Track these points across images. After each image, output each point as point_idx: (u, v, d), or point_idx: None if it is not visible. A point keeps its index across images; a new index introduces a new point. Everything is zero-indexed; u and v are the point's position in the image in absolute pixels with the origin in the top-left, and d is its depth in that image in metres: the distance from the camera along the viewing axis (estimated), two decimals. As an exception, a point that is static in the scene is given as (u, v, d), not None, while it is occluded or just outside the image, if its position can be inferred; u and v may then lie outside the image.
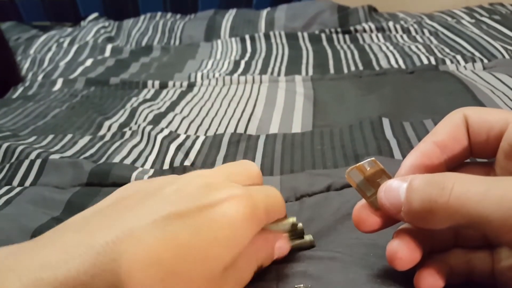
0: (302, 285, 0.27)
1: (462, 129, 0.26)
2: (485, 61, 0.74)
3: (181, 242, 0.22)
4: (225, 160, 0.49)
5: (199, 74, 0.80)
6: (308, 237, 0.32)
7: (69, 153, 0.53)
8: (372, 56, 0.85)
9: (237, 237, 0.24)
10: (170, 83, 0.76)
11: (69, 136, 0.58)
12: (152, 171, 0.46)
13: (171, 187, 0.25)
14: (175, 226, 0.22)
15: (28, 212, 0.40)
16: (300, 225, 0.31)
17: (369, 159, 0.27)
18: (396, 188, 0.24)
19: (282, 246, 0.29)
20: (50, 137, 0.58)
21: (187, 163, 0.49)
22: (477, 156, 0.27)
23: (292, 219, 0.31)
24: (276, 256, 0.28)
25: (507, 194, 0.20)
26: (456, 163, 0.27)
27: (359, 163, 0.27)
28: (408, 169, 0.26)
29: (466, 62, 0.74)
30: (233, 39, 1.04)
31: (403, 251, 0.24)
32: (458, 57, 0.76)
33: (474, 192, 0.21)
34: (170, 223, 0.22)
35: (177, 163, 0.49)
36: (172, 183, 0.25)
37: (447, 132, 0.26)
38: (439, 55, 0.80)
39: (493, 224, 0.20)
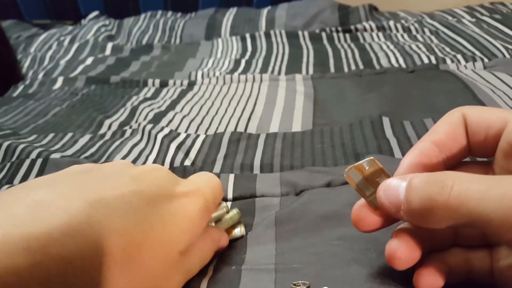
0: (300, 281, 0.27)
1: (461, 128, 0.26)
2: (486, 60, 0.74)
3: (146, 219, 0.24)
4: (225, 159, 0.49)
5: (199, 73, 0.80)
6: (234, 211, 0.35)
7: (69, 152, 0.53)
8: (372, 55, 0.85)
9: (193, 228, 0.28)
10: (171, 82, 0.76)
11: (69, 134, 0.58)
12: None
13: (134, 169, 0.27)
14: (143, 206, 0.25)
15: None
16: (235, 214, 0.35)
17: (367, 158, 0.27)
18: (396, 187, 0.24)
19: (223, 240, 0.32)
20: (51, 135, 0.58)
21: (187, 162, 0.49)
22: (475, 155, 0.27)
23: (234, 212, 0.35)
24: (216, 248, 0.31)
25: (508, 193, 0.20)
26: (455, 162, 0.27)
27: (358, 163, 0.27)
28: (406, 168, 0.26)
29: (466, 61, 0.74)
30: (233, 37, 1.04)
31: (402, 251, 0.24)
32: (459, 56, 0.76)
33: (474, 191, 0.21)
34: (140, 204, 0.25)
35: (177, 162, 0.49)
36: (133, 167, 0.28)
37: (446, 131, 0.26)
38: (439, 54, 0.80)
39: (493, 223, 0.20)
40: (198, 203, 0.28)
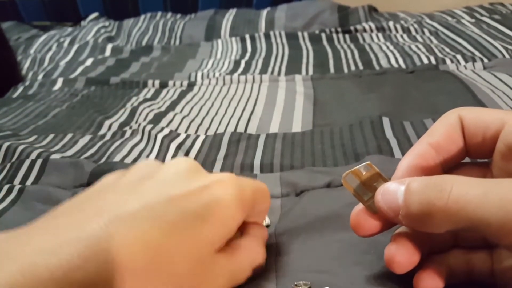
0: (301, 282, 0.27)
1: (457, 130, 0.26)
2: (485, 60, 0.74)
3: (168, 220, 0.23)
4: (225, 160, 0.49)
5: (199, 74, 0.80)
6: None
7: (69, 152, 0.53)
8: (372, 55, 0.85)
9: (225, 217, 0.25)
10: (170, 83, 0.76)
11: (69, 135, 0.58)
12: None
13: (158, 175, 0.26)
14: (164, 208, 0.23)
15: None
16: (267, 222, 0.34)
17: (364, 163, 0.27)
18: (394, 191, 0.24)
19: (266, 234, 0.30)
20: (51, 136, 0.58)
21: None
22: (473, 157, 0.27)
23: (266, 222, 0.34)
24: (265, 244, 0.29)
25: (506, 197, 0.20)
26: (452, 164, 0.27)
27: (355, 168, 0.26)
28: (404, 171, 0.26)
29: (466, 61, 0.74)
30: (233, 38, 1.04)
31: (401, 255, 0.24)
32: (458, 56, 0.76)
33: (473, 195, 0.21)
34: (160, 206, 0.23)
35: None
36: (157, 171, 0.26)
37: (442, 133, 0.26)
38: (439, 54, 0.80)
39: (492, 227, 0.20)
40: (229, 189, 0.25)
